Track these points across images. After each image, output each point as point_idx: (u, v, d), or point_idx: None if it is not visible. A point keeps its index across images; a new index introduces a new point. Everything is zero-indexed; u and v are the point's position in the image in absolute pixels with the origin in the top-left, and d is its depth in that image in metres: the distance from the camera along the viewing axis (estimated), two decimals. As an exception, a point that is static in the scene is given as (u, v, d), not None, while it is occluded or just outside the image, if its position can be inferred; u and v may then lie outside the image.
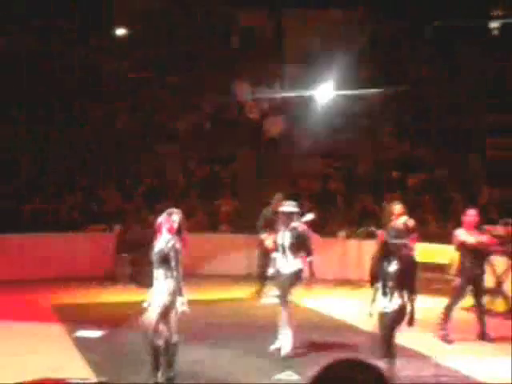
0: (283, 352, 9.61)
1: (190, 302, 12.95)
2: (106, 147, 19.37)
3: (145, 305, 8.28)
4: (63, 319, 11.67)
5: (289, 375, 8.86)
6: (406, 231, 13.46)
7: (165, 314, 8.02)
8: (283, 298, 9.89)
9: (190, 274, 15.34)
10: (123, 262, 15.61)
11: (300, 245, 9.94)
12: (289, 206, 10.19)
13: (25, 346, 10.05)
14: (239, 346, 10.23)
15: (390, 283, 8.00)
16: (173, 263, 8.01)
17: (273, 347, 9.97)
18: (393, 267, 8.00)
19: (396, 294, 8.01)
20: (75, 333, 10.74)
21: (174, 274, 8.03)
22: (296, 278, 9.90)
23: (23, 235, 15.61)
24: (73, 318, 11.74)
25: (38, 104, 19.60)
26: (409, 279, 8.12)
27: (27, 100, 19.50)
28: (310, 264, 10.04)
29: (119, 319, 11.07)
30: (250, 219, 15.67)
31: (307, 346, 10.01)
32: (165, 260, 8.05)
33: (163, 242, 8.14)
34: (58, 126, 19.27)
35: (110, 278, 15.51)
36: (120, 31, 22.33)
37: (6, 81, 19.02)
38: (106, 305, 12.95)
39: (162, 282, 8.06)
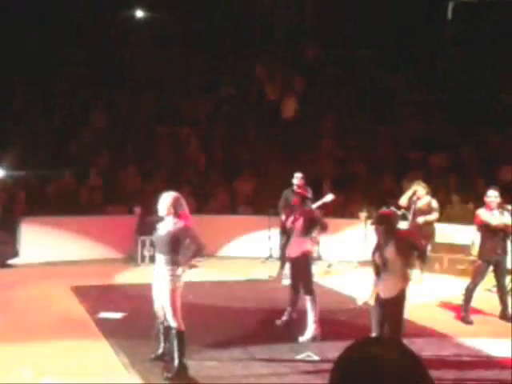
0: (301, 338, 9.61)
1: (210, 284, 13.05)
2: (128, 128, 19.40)
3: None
4: (84, 301, 11.73)
5: (308, 356, 8.86)
6: (429, 212, 13.47)
7: (175, 303, 7.99)
8: (304, 282, 9.93)
9: (210, 256, 15.48)
10: (144, 244, 15.66)
11: (309, 228, 9.96)
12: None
13: (46, 327, 10.11)
14: (259, 328, 10.24)
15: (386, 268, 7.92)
16: (177, 247, 7.95)
17: (279, 322, 10.22)
18: (388, 251, 7.91)
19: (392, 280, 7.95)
20: (97, 314, 10.80)
21: (176, 258, 7.95)
22: (304, 260, 9.92)
23: (44, 217, 15.69)
24: (94, 299, 11.81)
25: (58, 86, 19.66)
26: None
27: (47, 82, 19.56)
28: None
29: (140, 301, 11.09)
30: (269, 200, 15.66)
31: (328, 328, 9.98)
32: (168, 244, 7.97)
33: (170, 225, 8.07)
34: (81, 106, 19.31)
35: (130, 260, 15.57)
36: (140, 12, 22.35)
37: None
38: (126, 286, 13.00)
39: (164, 270, 8.00)
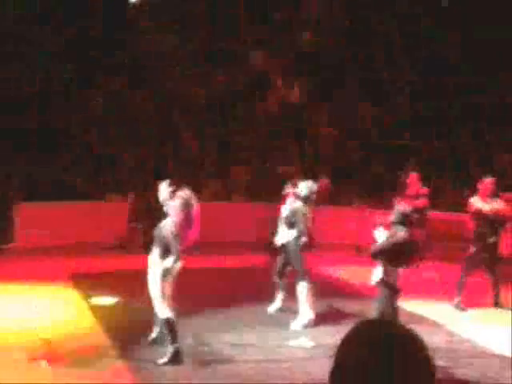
0: (294, 325, 9.64)
1: (204, 270, 13.05)
2: (123, 116, 19.35)
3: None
4: (78, 286, 11.76)
5: (303, 342, 8.88)
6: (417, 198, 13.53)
7: (163, 293, 8.06)
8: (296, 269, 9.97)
9: (204, 242, 15.45)
10: (136, 231, 15.63)
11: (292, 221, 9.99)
12: (305, 188, 10.14)
13: (41, 312, 10.13)
14: (253, 315, 10.25)
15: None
16: (172, 248, 7.98)
17: (271, 309, 10.29)
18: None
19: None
20: (90, 299, 10.84)
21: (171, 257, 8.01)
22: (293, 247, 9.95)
23: (39, 203, 15.67)
24: (88, 285, 11.83)
25: (57, 74, 19.59)
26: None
27: (45, 69, 19.49)
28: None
29: (133, 286, 11.10)
30: (263, 187, 15.67)
31: (322, 314, 10.01)
32: (162, 242, 8.07)
33: (164, 222, 8.17)
34: (76, 95, 19.25)
35: (123, 247, 15.55)
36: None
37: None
38: (120, 272, 13.00)
39: (157, 262, 8.09)
